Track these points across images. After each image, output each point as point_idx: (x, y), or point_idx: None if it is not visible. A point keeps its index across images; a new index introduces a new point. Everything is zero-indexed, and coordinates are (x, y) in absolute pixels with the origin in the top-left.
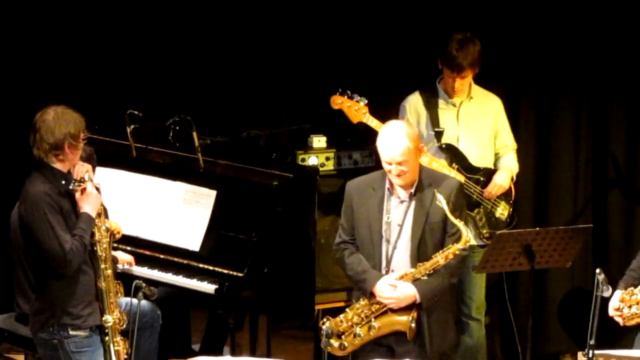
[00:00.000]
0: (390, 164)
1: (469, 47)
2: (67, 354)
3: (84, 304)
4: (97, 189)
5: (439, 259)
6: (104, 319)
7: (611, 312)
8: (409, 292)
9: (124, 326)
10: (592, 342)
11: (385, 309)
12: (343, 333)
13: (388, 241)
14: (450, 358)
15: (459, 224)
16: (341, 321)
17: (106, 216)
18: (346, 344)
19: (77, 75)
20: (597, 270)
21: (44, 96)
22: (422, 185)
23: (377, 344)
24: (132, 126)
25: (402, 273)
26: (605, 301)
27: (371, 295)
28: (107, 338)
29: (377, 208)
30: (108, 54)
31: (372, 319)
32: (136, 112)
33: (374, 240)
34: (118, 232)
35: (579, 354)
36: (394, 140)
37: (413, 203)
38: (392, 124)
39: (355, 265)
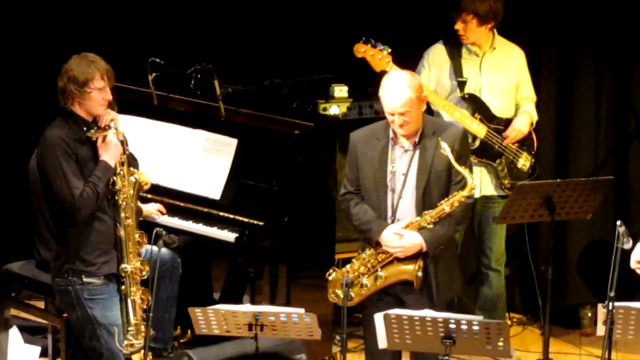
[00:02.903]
0: (392, 114)
1: None
2: (80, 301)
3: (99, 251)
4: (124, 139)
5: (445, 206)
6: (121, 267)
7: (633, 264)
8: (415, 241)
9: (145, 276)
10: (611, 294)
11: (391, 258)
12: (353, 285)
13: (393, 190)
14: (465, 305)
15: (464, 171)
16: (347, 271)
17: (135, 166)
18: (353, 294)
19: (100, 23)
20: (618, 223)
21: (68, 45)
22: (426, 134)
23: (384, 293)
24: (154, 74)
25: (408, 222)
26: (626, 253)
27: (377, 245)
28: (123, 287)
29: (381, 158)
30: (130, 1)
31: (379, 269)
32: (158, 60)
33: (379, 190)
34: (146, 184)
35: (599, 306)
36: (396, 90)
37: (417, 152)
38: (394, 74)
39: (360, 216)
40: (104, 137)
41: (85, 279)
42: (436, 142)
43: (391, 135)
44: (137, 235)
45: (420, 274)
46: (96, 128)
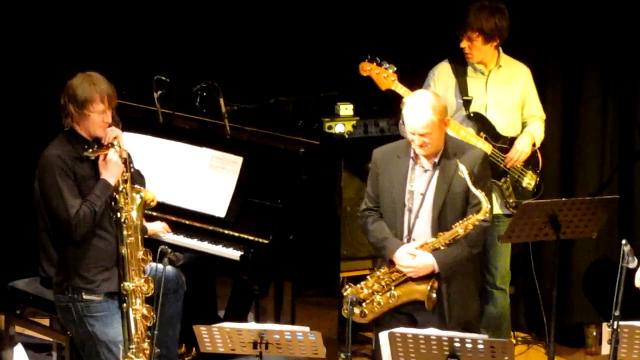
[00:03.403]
0: (413, 134)
1: (484, 12)
2: (80, 317)
3: (99, 268)
4: (128, 157)
5: (459, 229)
6: (123, 285)
7: (637, 283)
8: (427, 262)
9: (150, 293)
10: (616, 313)
11: (405, 277)
12: (364, 300)
13: (410, 210)
14: (473, 327)
15: (480, 194)
16: (362, 288)
17: (142, 184)
18: (367, 311)
19: (106, 40)
20: (623, 241)
21: (74, 61)
22: (447, 155)
23: (397, 312)
24: (159, 92)
25: (423, 242)
26: (631, 272)
27: (391, 263)
28: (124, 305)
29: (401, 176)
30: (136, 19)
31: (392, 287)
32: (163, 78)
33: (397, 208)
34: (152, 201)
35: (604, 324)
36: (419, 112)
37: (436, 173)
38: (419, 94)
39: (377, 232)
40: (105, 155)
41: (85, 296)
42: (456, 164)
43: (412, 154)
44: (141, 253)
45: (433, 294)
46: (97, 146)
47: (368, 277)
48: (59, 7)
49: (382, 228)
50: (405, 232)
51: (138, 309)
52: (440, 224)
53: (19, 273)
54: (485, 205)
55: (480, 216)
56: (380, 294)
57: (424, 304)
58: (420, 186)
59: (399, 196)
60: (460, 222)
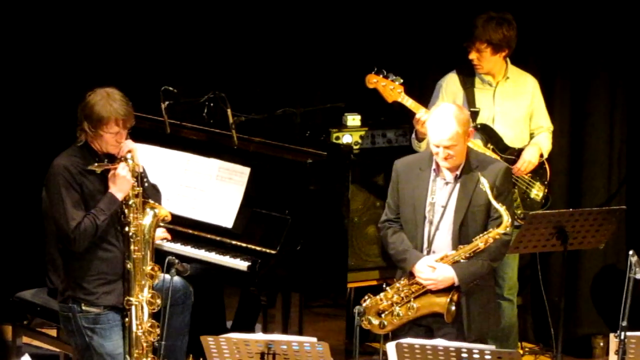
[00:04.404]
0: (438, 146)
1: (492, 24)
2: (79, 328)
3: (101, 281)
4: (143, 170)
5: (479, 242)
6: (126, 299)
7: None
8: (447, 275)
9: (157, 309)
10: (624, 323)
11: (424, 289)
12: (383, 311)
13: (431, 222)
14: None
15: (501, 208)
16: (381, 299)
17: (157, 199)
18: (386, 322)
19: (114, 50)
20: (630, 252)
21: (83, 71)
22: (469, 168)
23: (416, 324)
24: (167, 102)
25: (443, 255)
26: (638, 283)
27: (411, 276)
28: (126, 319)
29: (422, 188)
30: (144, 29)
31: (412, 299)
32: (171, 89)
33: (417, 220)
34: (167, 217)
35: (611, 335)
36: (444, 124)
37: (458, 185)
38: (443, 106)
39: (397, 244)
40: (115, 169)
41: (84, 307)
42: (477, 177)
43: (434, 166)
44: (149, 268)
45: (452, 307)
46: (106, 160)
47: (387, 288)
48: (68, 18)
49: (402, 240)
50: (425, 244)
51: (141, 324)
52: (461, 236)
53: (26, 284)
54: (506, 219)
55: (501, 230)
56: (399, 305)
57: (443, 316)
58: (442, 198)
59: (419, 208)
60: (481, 235)
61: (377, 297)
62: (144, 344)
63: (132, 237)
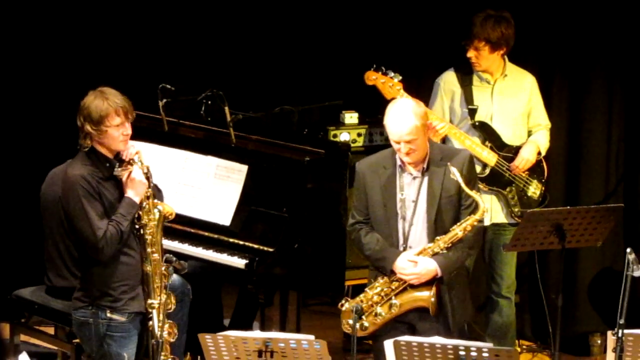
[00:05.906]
0: (398, 142)
1: (490, 21)
2: (98, 335)
3: (125, 287)
4: (148, 172)
5: (457, 231)
6: (148, 302)
7: None
8: (430, 267)
9: (172, 309)
10: (621, 321)
11: (405, 285)
12: (364, 313)
13: (404, 218)
14: (475, 333)
15: (475, 195)
16: (361, 301)
17: (160, 198)
18: (367, 324)
19: (111, 49)
20: (628, 250)
21: (80, 71)
22: (434, 160)
23: (397, 321)
24: (165, 100)
25: (421, 248)
26: (636, 281)
27: (391, 273)
28: (150, 323)
29: (389, 186)
30: (141, 27)
31: (393, 297)
32: (168, 87)
33: (390, 218)
34: (171, 214)
35: (609, 333)
36: (402, 119)
37: (426, 179)
38: (400, 102)
39: (372, 245)
40: (130, 173)
41: (109, 315)
42: (444, 167)
43: (398, 162)
44: (163, 269)
45: (434, 300)
46: (119, 164)
47: (366, 289)
48: (64, 17)
49: (377, 240)
50: (401, 241)
51: (163, 326)
52: (437, 228)
53: (24, 282)
54: (481, 205)
55: (477, 216)
56: (380, 304)
57: (425, 311)
58: (411, 194)
59: (390, 206)
60: (458, 224)
61: (357, 299)
62: (168, 346)
63: (147, 240)
